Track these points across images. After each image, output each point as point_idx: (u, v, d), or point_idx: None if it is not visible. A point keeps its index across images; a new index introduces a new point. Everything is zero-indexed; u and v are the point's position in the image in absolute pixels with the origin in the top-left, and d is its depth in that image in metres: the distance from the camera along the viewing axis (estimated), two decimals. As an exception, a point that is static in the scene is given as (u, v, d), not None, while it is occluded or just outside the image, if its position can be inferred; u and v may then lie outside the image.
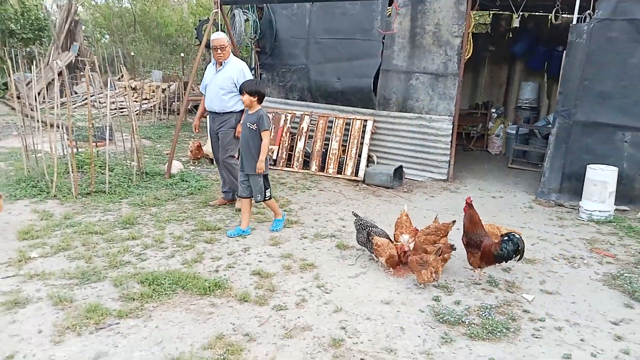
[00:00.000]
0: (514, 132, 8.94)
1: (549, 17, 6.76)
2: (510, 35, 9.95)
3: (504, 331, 3.23)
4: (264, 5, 8.07)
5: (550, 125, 6.96)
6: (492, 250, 3.80)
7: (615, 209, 5.80)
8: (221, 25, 7.76)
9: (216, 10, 7.17)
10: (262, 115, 4.62)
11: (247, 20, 7.99)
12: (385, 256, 4.02)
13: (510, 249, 3.74)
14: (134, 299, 3.44)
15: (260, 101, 4.67)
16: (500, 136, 9.63)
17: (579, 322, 3.41)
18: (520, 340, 3.16)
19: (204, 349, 2.94)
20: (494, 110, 10.01)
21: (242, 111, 5.19)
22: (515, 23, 7.56)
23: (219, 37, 5.25)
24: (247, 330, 3.16)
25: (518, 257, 3.80)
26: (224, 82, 5.27)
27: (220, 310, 3.39)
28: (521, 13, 8.87)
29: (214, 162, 5.88)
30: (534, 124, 9.27)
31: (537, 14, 9.41)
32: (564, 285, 3.99)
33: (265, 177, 4.79)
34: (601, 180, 5.63)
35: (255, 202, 4.92)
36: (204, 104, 5.53)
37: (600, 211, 5.62)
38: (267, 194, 4.80)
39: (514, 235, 3.79)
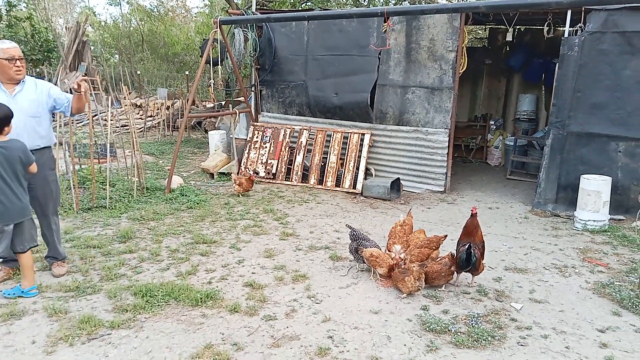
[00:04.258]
0: (512, 143, 8.99)
1: (543, 30, 6.85)
2: (507, 49, 10.06)
3: (489, 339, 3.26)
4: (263, 24, 8.26)
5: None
6: (457, 258, 4.05)
7: (611, 219, 5.81)
8: (221, 43, 7.96)
9: (215, 29, 7.39)
10: None
11: (246, 39, 8.16)
12: (386, 267, 4.09)
13: (463, 258, 3.93)
14: (126, 311, 3.52)
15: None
16: (499, 148, 9.67)
17: (565, 330, 3.44)
18: (505, 348, 3.19)
19: (192, 358, 3.00)
20: (493, 123, 10.08)
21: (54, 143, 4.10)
22: (509, 37, 7.65)
23: (15, 46, 3.79)
24: (235, 340, 3.22)
25: (469, 267, 3.98)
26: (33, 107, 3.83)
27: (211, 320, 3.46)
28: (517, 27, 9.03)
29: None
30: (532, 136, 9.31)
31: (532, 27, 9.52)
32: (553, 294, 4.02)
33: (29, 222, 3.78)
34: (595, 190, 5.66)
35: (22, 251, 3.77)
36: None
37: (594, 221, 5.63)
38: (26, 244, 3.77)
39: (471, 247, 3.94)
